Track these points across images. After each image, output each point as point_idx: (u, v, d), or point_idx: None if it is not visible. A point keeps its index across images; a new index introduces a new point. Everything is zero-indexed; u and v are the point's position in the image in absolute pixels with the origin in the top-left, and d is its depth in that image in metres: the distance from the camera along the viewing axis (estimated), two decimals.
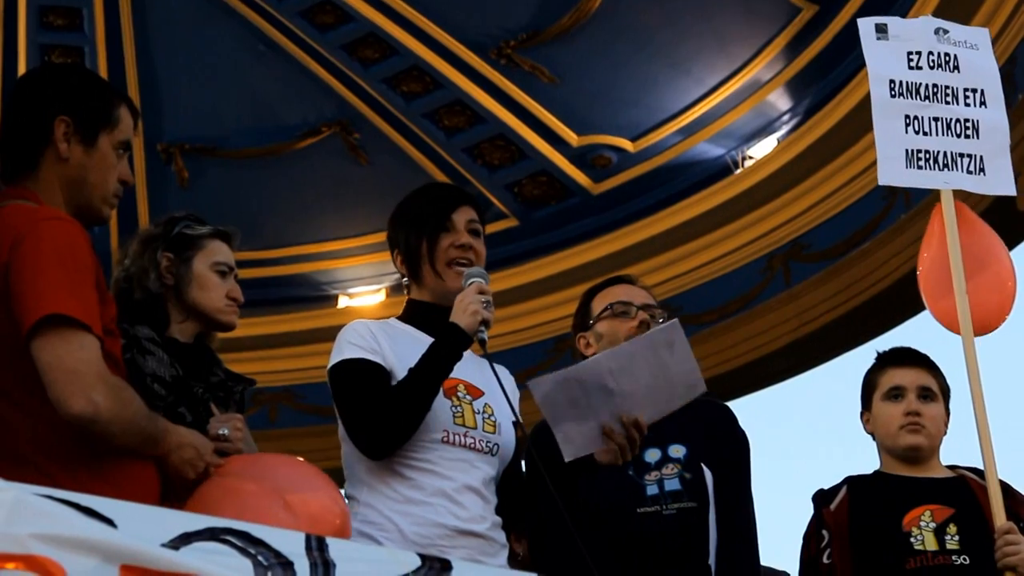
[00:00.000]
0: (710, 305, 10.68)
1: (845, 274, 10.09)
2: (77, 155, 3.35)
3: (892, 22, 4.83)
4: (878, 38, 4.78)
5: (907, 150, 4.62)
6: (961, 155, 4.66)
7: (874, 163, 9.76)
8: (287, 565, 2.62)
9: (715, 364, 10.64)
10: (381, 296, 11.49)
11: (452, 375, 3.88)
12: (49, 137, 3.33)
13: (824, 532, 4.48)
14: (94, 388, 3.03)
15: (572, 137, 10.94)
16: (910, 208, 9.67)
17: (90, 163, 3.36)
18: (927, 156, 4.64)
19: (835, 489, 4.63)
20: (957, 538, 4.39)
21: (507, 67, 10.67)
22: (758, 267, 10.59)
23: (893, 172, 4.67)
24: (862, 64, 9.46)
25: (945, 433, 4.67)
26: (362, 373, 3.85)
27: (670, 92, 10.55)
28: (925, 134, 4.65)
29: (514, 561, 4.27)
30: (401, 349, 3.88)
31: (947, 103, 4.69)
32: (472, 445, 3.88)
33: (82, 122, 3.35)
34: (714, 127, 10.53)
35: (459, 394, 3.92)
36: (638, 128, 10.80)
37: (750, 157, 10.51)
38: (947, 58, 4.74)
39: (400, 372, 3.84)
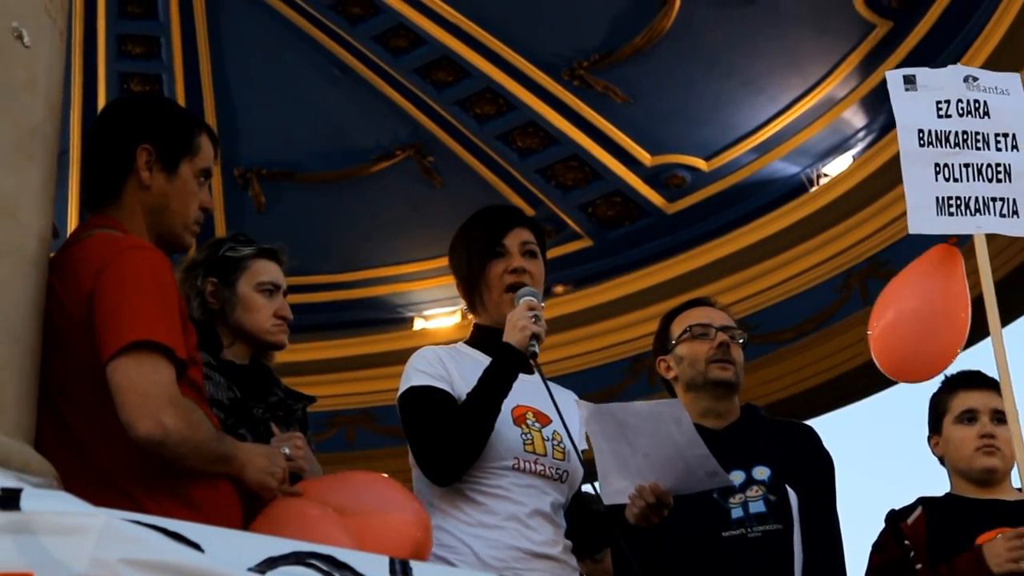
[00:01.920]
0: (787, 324, 10.61)
1: None
2: (159, 183, 3.39)
3: (921, 73, 4.79)
4: (906, 89, 4.74)
5: (937, 198, 4.58)
6: (993, 199, 4.60)
7: None
8: None
9: (792, 383, 10.58)
10: (456, 318, 11.52)
11: (521, 402, 3.89)
12: (132, 165, 3.38)
13: (907, 542, 4.44)
14: (163, 411, 3.06)
15: (645, 157, 10.93)
16: None
17: (172, 191, 3.40)
18: (958, 203, 4.59)
19: (909, 508, 4.60)
20: None
21: (580, 88, 10.68)
22: (835, 285, 10.51)
23: (924, 221, 4.63)
24: None
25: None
26: (429, 401, 3.88)
27: (743, 110, 10.51)
28: (956, 180, 4.59)
29: None
30: (468, 374, 3.91)
31: (978, 149, 4.63)
32: (542, 472, 3.89)
33: (164, 150, 3.40)
34: (789, 145, 10.48)
35: (528, 422, 3.93)
36: (712, 147, 10.77)
37: (825, 175, 10.44)
38: (977, 105, 4.67)
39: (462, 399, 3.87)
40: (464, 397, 3.86)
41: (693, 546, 4.13)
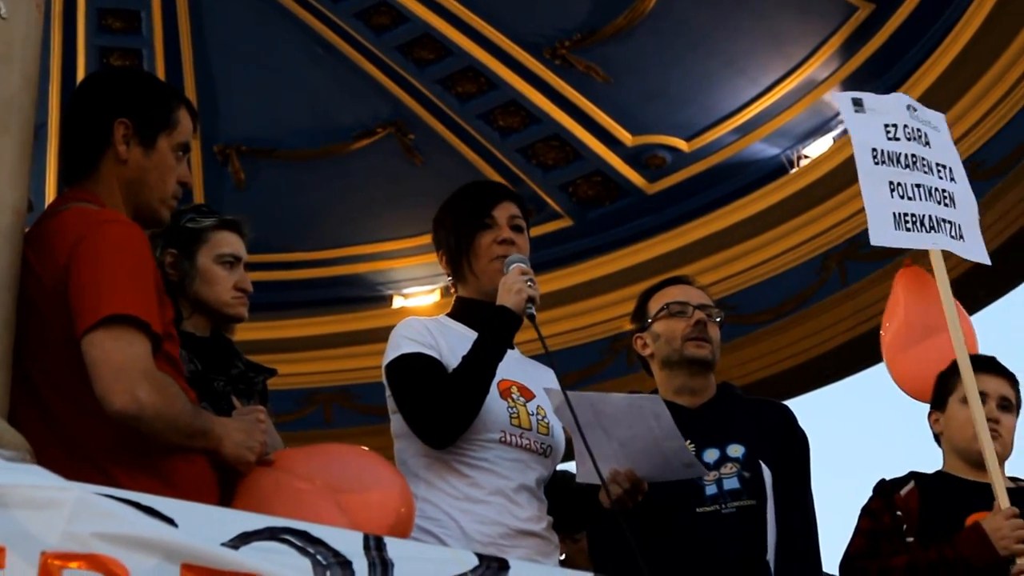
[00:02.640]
0: (765, 305, 10.64)
1: None
2: (136, 157, 3.38)
3: (867, 97, 5.02)
4: (855, 111, 4.97)
5: (895, 213, 4.77)
6: (943, 220, 4.83)
7: None
8: (346, 564, 2.63)
9: (770, 364, 10.61)
10: (435, 296, 11.52)
11: (505, 376, 3.90)
12: (109, 139, 3.37)
13: (899, 513, 4.46)
14: (139, 385, 3.05)
15: (626, 137, 10.92)
16: None
17: (149, 165, 3.39)
18: (914, 219, 4.79)
19: (901, 481, 4.61)
20: None
21: (561, 67, 10.66)
22: (814, 266, 10.53)
23: (884, 234, 4.82)
24: (919, 63, 9.50)
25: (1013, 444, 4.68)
26: (421, 366, 3.87)
27: (725, 91, 10.51)
28: (910, 199, 4.81)
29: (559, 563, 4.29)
30: (455, 346, 3.91)
31: (925, 172, 4.87)
32: (528, 446, 3.90)
33: (141, 124, 3.39)
34: (769, 126, 10.49)
35: (513, 395, 3.94)
36: (693, 128, 10.77)
37: (805, 156, 10.45)
38: (919, 133, 4.95)
39: (455, 366, 3.86)
40: (450, 367, 3.86)
41: (667, 522, 4.14)
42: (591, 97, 10.78)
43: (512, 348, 4.02)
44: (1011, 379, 4.72)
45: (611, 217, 11.26)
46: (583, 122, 10.90)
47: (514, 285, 3.84)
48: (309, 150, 11.25)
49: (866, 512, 4.58)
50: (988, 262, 4.98)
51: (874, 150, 4.86)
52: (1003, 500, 4.32)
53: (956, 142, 9.46)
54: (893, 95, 5.09)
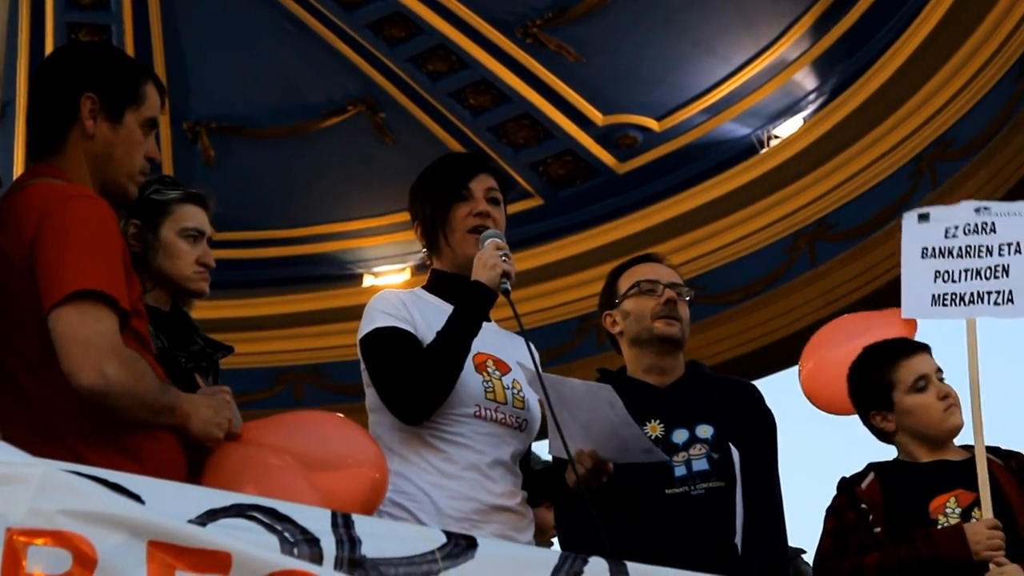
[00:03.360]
0: (735, 285, 10.66)
1: (871, 254, 10.06)
2: (103, 132, 3.36)
3: (935, 209, 5.04)
4: (919, 222, 5.01)
5: (933, 295, 4.79)
6: (988, 292, 4.79)
7: (900, 143, 9.80)
8: (313, 542, 2.64)
9: (740, 344, 10.64)
10: (406, 275, 11.50)
11: (481, 349, 3.89)
12: (75, 114, 3.35)
13: (863, 506, 4.46)
14: (106, 360, 3.04)
15: (597, 116, 10.92)
16: (936, 187, 9.64)
17: (116, 140, 3.37)
18: (953, 297, 4.79)
19: (860, 475, 4.62)
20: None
21: (533, 46, 10.64)
22: (783, 246, 10.56)
23: (917, 310, 4.87)
24: (889, 43, 9.52)
25: None
26: (396, 341, 3.86)
27: (696, 71, 10.51)
28: (954, 282, 4.80)
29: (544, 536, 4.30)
30: (430, 319, 3.90)
31: (980, 257, 4.84)
32: (503, 420, 3.90)
33: (108, 99, 3.37)
34: (740, 106, 10.50)
35: (489, 369, 3.94)
36: (663, 107, 10.77)
37: (776, 136, 10.47)
38: (985, 225, 4.89)
39: (430, 340, 3.85)
40: (426, 341, 3.85)
41: (637, 503, 4.14)
42: (562, 76, 10.77)
43: (488, 320, 4.01)
44: (929, 350, 4.74)
45: (582, 196, 11.26)
46: (554, 101, 10.89)
47: (489, 260, 3.83)
48: (279, 128, 11.21)
49: (831, 512, 4.58)
50: None
51: (924, 248, 4.93)
52: (987, 511, 4.34)
53: (925, 123, 9.63)
54: (963, 203, 5.06)
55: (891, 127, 9.83)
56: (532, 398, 3.99)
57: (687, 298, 4.48)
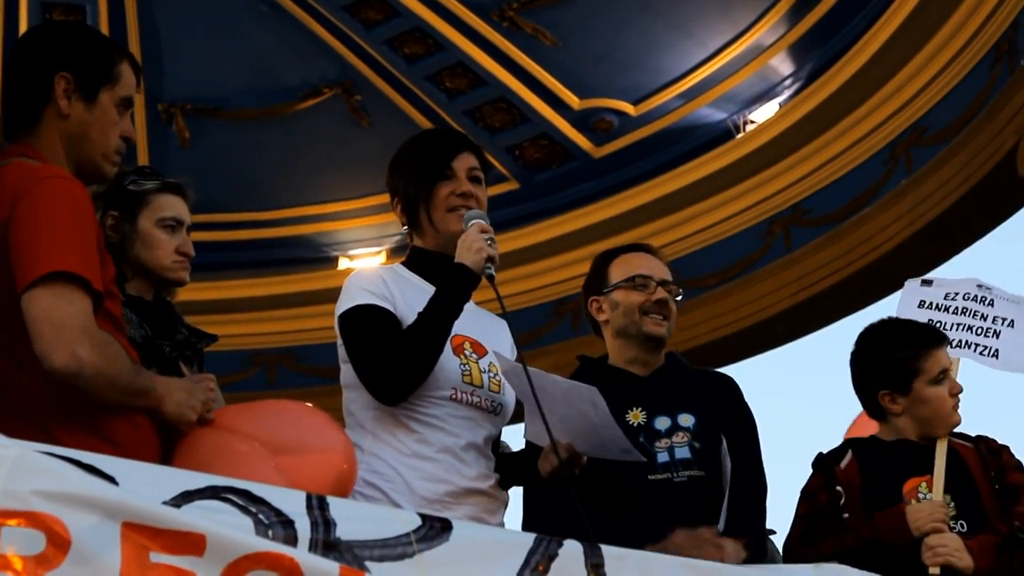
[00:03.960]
0: (710, 269, 10.68)
1: (846, 239, 10.09)
2: (78, 111, 3.34)
3: (939, 278, 5.16)
4: (921, 286, 5.14)
5: None
6: (976, 344, 4.93)
7: (875, 129, 9.82)
8: (288, 524, 2.63)
9: (715, 328, 10.65)
10: (382, 258, 11.49)
11: (458, 331, 3.88)
12: (50, 94, 3.33)
13: (839, 488, 4.47)
14: (79, 342, 3.02)
15: (574, 100, 10.91)
16: (911, 173, 9.67)
17: (91, 119, 3.35)
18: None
19: (838, 452, 4.62)
20: (953, 504, 4.42)
21: (509, 29, 10.63)
22: (759, 231, 10.58)
23: None
24: (864, 29, 9.54)
25: None
26: (376, 319, 3.84)
27: (672, 55, 10.51)
28: (946, 329, 4.88)
29: None
30: (410, 297, 3.88)
31: (974, 318, 4.98)
32: (479, 404, 3.89)
33: (83, 78, 3.35)
34: (716, 91, 10.51)
35: (466, 352, 3.92)
36: (640, 92, 10.78)
37: (751, 121, 10.49)
38: (984, 299, 5.03)
39: (409, 319, 3.83)
40: (405, 319, 3.83)
41: (619, 489, 4.15)
42: (538, 60, 10.76)
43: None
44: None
45: (557, 180, 11.26)
46: (530, 85, 10.89)
47: (474, 244, 3.79)
48: (255, 110, 11.18)
49: (805, 495, 4.57)
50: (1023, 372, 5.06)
51: (922, 301, 5.04)
52: (938, 493, 4.37)
53: (900, 109, 9.66)
54: (968, 277, 5.16)
55: (866, 113, 9.85)
56: (507, 383, 3.97)
57: (678, 297, 4.48)
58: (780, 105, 10.32)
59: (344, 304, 3.89)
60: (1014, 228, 9.26)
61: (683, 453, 4.24)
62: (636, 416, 4.28)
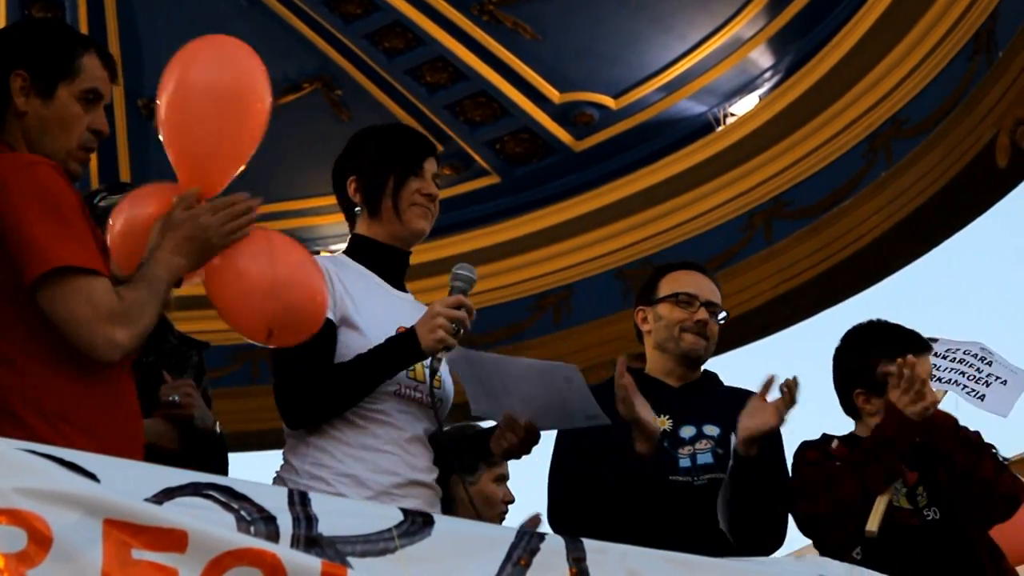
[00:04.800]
0: None
1: (826, 231, 10.11)
2: (35, 108, 3.34)
3: (944, 338, 5.27)
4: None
5: None
6: (965, 386, 5.09)
7: (855, 121, 9.83)
8: (270, 520, 2.64)
9: None
10: None
11: (401, 322, 3.87)
12: (8, 93, 3.33)
13: (838, 463, 4.50)
14: (112, 330, 3.10)
15: (554, 94, 10.91)
16: (891, 165, 9.69)
17: (49, 116, 3.34)
18: (933, 378, 4.88)
19: (825, 440, 4.65)
20: (926, 495, 4.47)
21: (489, 23, 10.62)
22: (739, 224, 10.60)
23: None
24: (844, 21, 9.55)
25: None
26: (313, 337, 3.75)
27: (652, 49, 10.52)
28: (938, 370, 5.04)
29: (450, 506, 4.32)
30: (351, 284, 3.87)
31: (969, 368, 5.14)
32: (420, 399, 3.90)
33: (39, 75, 3.34)
34: (696, 84, 10.51)
35: None
36: (620, 85, 10.78)
37: (732, 114, 10.50)
38: (984, 359, 5.18)
39: (350, 308, 3.81)
40: (347, 311, 3.82)
41: (640, 488, 4.18)
42: (519, 54, 10.76)
43: (405, 292, 4.01)
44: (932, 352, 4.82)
45: (539, 174, 11.26)
46: (510, 79, 10.88)
47: (439, 328, 3.72)
48: None
49: (807, 463, 4.60)
50: (1006, 416, 5.13)
51: None
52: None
53: (879, 101, 9.68)
54: (974, 341, 5.29)
55: (846, 105, 9.87)
56: (447, 377, 3.98)
57: (720, 319, 4.54)
58: (760, 98, 10.33)
59: None
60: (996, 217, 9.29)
61: (705, 459, 4.31)
62: (662, 423, 4.34)
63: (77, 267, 3.09)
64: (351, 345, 3.82)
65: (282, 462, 3.88)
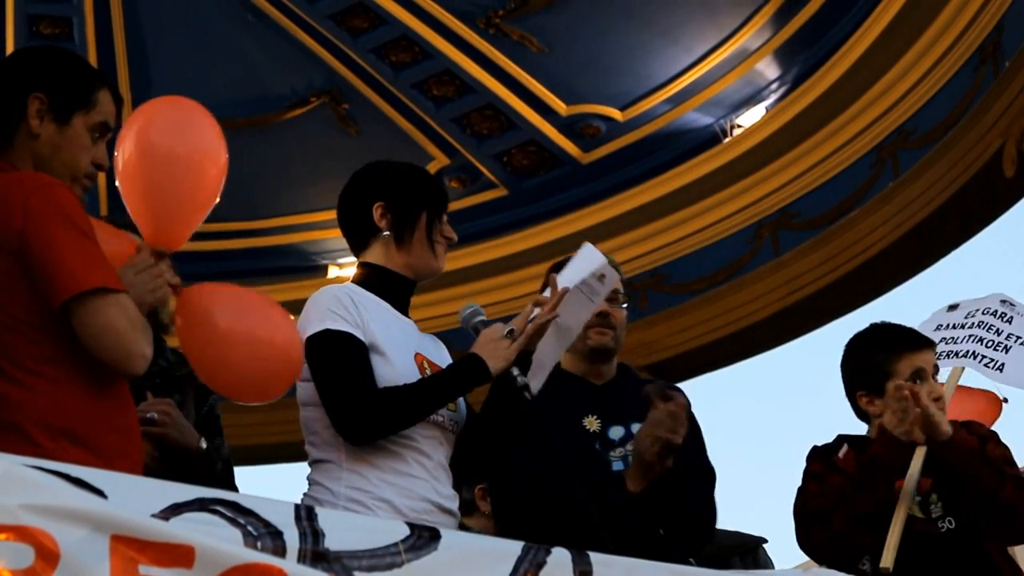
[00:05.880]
0: (699, 274, 10.70)
1: (833, 242, 10.12)
2: (49, 132, 3.36)
3: (965, 301, 5.20)
4: (948, 311, 5.20)
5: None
6: (983, 356, 4.98)
7: (862, 132, 9.84)
8: (277, 535, 2.64)
9: (703, 333, 10.67)
10: None
11: (419, 350, 3.89)
12: (23, 113, 3.35)
13: (840, 473, 4.49)
14: (141, 344, 3.18)
15: (561, 107, 10.93)
16: (898, 176, 9.70)
17: (62, 142, 3.37)
18: (948, 352, 4.95)
19: (834, 445, 4.64)
20: (940, 504, 4.44)
21: (496, 36, 10.65)
22: (746, 236, 10.60)
23: None
24: (850, 32, 9.57)
25: None
26: (352, 351, 3.77)
27: (659, 61, 10.54)
28: (955, 343, 5.01)
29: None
30: (372, 316, 3.86)
31: (987, 332, 5.04)
32: (441, 423, 3.89)
33: (57, 100, 3.37)
34: (703, 96, 10.53)
35: (427, 371, 3.92)
36: (627, 97, 10.79)
37: (738, 126, 10.51)
38: (1004, 314, 5.09)
39: (376, 339, 3.82)
40: (374, 343, 3.82)
41: (573, 492, 4.15)
42: (525, 67, 10.78)
43: (408, 319, 4.00)
44: (934, 348, 4.78)
45: (546, 187, 11.28)
46: (517, 92, 10.90)
47: (502, 349, 3.80)
48: (242, 119, 11.17)
49: (811, 477, 4.59)
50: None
51: (940, 324, 5.10)
52: (905, 498, 4.40)
53: (886, 112, 9.68)
54: (992, 294, 5.20)
55: (853, 116, 9.88)
56: (461, 401, 3.98)
57: (624, 305, 4.47)
58: (767, 109, 10.34)
59: (314, 325, 3.82)
60: (1001, 228, 9.28)
61: None
62: (591, 423, 4.31)
63: (109, 288, 3.15)
64: (379, 372, 3.82)
65: (313, 484, 3.85)
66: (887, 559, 4.29)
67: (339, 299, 3.85)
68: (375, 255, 4.01)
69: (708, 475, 4.44)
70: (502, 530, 4.29)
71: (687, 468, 4.25)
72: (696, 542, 4.33)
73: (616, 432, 4.28)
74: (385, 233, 3.98)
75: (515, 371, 3.81)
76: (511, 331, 3.85)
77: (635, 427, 4.28)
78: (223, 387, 3.62)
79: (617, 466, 4.23)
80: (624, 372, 4.54)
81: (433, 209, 4.02)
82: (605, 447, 4.24)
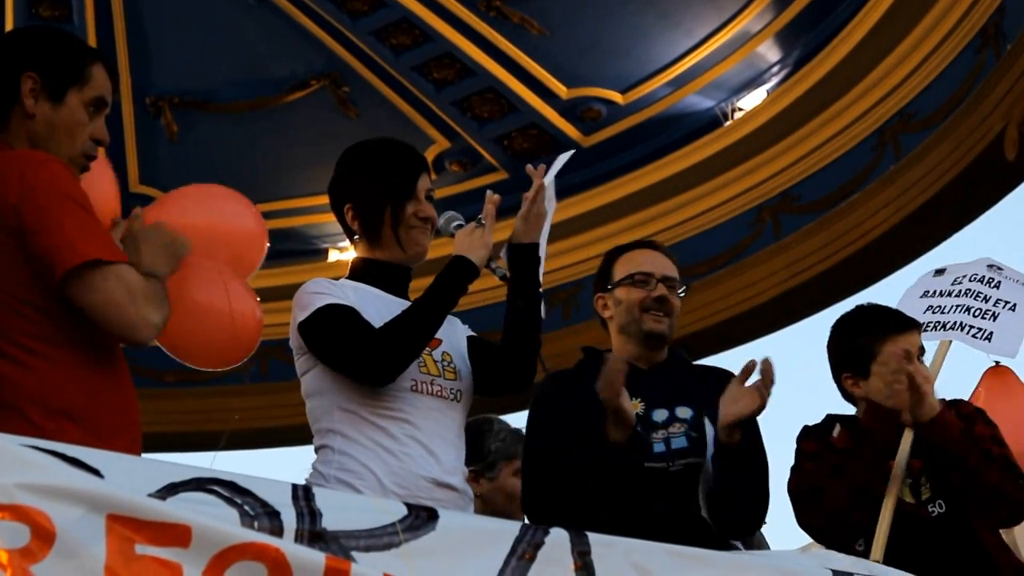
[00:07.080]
0: (700, 257, 10.68)
1: (834, 225, 10.11)
2: (44, 111, 3.35)
3: (952, 265, 5.19)
4: (935, 275, 5.19)
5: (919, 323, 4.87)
6: (971, 326, 4.96)
7: (863, 115, 9.81)
8: (274, 515, 2.64)
9: (705, 316, 10.66)
10: None
11: None
12: (17, 93, 3.34)
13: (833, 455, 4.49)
14: (148, 310, 3.17)
15: (562, 90, 10.91)
16: (899, 159, 9.68)
17: (57, 119, 3.35)
18: (936, 324, 4.94)
19: (825, 425, 4.63)
20: (929, 486, 4.45)
21: (496, 19, 10.63)
22: (748, 219, 10.59)
23: None
24: (851, 15, 9.55)
25: None
26: (344, 314, 3.82)
27: (660, 44, 10.52)
28: (942, 313, 4.99)
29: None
30: (368, 304, 3.88)
31: (975, 300, 5.02)
32: (439, 393, 3.89)
33: (50, 79, 3.36)
34: (704, 79, 10.51)
35: (430, 352, 3.93)
36: (628, 80, 10.78)
37: (740, 109, 10.49)
38: (991, 280, 5.07)
39: (371, 319, 3.84)
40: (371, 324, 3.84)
41: (615, 475, 4.15)
42: (526, 49, 10.76)
43: (407, 299, 4.01)
44: (920, 329, 4.77)
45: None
46: (518, 75, 10.88)
47: (477, 239, 3.93)
48: (243, 102, 11.17)
49: (807, 456, 4.58)
50: (1014, 356, 5.10)
51: (927, 291, 5.10)
52: (896, 480, 4.40)
53: (887, 95, 9.66)
54: (979, 259, 5.21)
55: (854, 99, 9.86)
56: (464, 367, 3.99)
57: (680, 292, 4.48)
58: (768, 92, 10.32)
59: (303, 313, 3.88)
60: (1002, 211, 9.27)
61: (680, 443, 4.23)
62: (635, 406, 4.29)
63: (108, 260, 3.14)
64: None
65: (311, 470, 3.88)
66: (876, 553, 4.29)
67: (320, 284, 3.95)
68: (362, 249, 4.10)
69: (761, 460, 4.41)
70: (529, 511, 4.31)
71: (746, 462, 4.24)
72: (743, 525, 4.29)
73: (660, 415, 4.27)
74: (356, 236, 4.07)
75: (492, 263, 3.92)
76: (479, 219, 3.99)
77: (680, 410, 4.28)
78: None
79: (659, 448, 4.22)
80: (673, 357, 4.54)
81: (397, 197, 4.03)
82: (647, 430, 4.23)
